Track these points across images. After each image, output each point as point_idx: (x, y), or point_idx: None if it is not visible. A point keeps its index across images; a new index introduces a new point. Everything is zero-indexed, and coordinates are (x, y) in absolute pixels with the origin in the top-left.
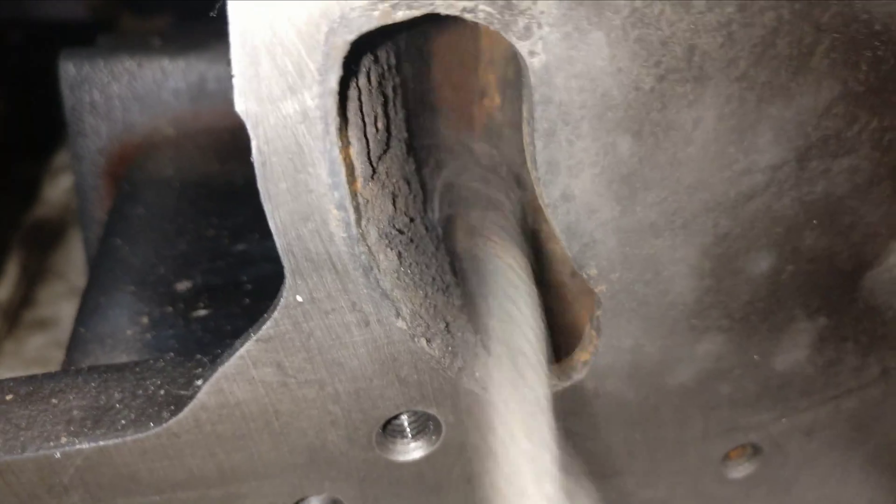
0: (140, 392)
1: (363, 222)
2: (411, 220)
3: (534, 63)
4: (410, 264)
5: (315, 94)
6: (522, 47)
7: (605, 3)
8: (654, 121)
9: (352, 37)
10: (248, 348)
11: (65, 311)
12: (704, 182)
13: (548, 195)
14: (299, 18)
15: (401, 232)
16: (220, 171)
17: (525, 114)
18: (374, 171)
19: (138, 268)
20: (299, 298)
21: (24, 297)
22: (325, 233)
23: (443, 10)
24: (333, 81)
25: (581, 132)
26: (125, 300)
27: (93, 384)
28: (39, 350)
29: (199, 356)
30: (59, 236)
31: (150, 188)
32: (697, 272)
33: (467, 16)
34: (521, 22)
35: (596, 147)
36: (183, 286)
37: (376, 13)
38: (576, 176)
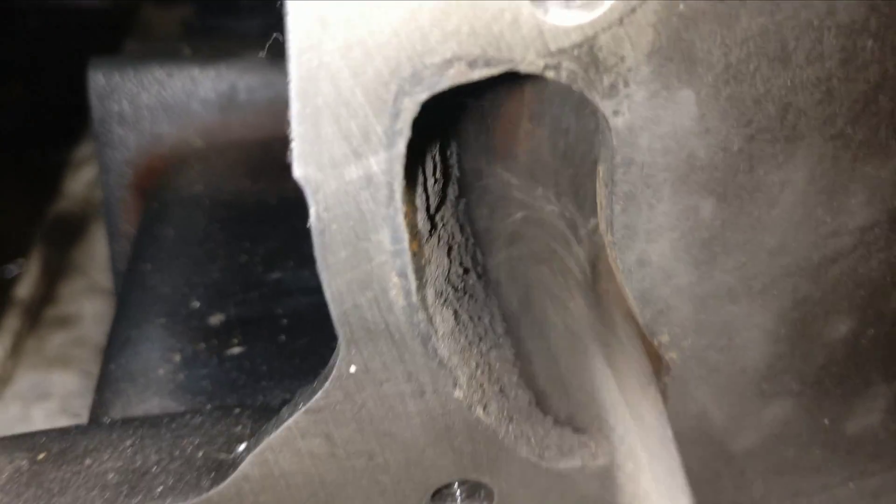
0: (177, 453)
1: (423, 287)
2: (465, 270)
3: (617, 123)
4: (465, 321)
5: (381, 160)
6: (606, 107)
7: (697, 59)
8: (739, 183)
9: (423, 97)
10: (296, 419)
11: (86, 308)
12: (787, 246)
13: (623, 261)
14: (366, 76)
15: (455, 288)
16: (251, 188)
17: (602, 175)
18: (432, 226)
19: (169, 297)
20: (353, 369)
21: (46, 294)
22: (384, 302)
23: (523, 69)
24: (402, 145)
25: (662, 195)
26: (156, 334)
27: (128, 442)
28: (61, 348)
29: (237, 409)
30: (81, 231)
31: (179, 206)
32: (772, 337)
33: (549, 73)
34: (607, 80)
35: (677, 211)
36: (216, 319)
37: (452, 71)
38: (654, 241)
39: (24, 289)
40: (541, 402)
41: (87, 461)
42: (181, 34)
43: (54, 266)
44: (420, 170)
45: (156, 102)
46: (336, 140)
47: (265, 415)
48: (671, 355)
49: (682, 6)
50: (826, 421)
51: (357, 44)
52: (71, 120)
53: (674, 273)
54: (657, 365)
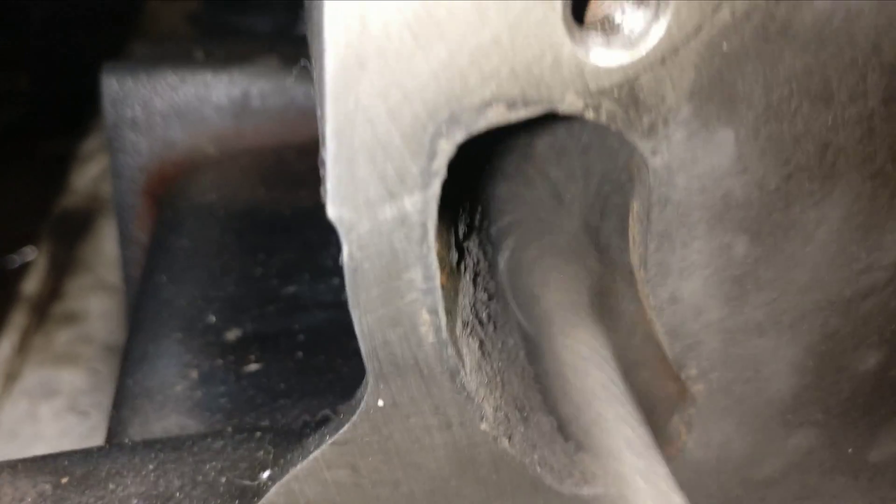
0: (200, 479)
1: (453, 321)
2: (489, 296)
3: (655, 163)
4: (489, 350)
5: (416, 200)
6: (645, 147)
7: (738, 99)
8: (774, 221)
9: (460, 138)
10: (322, 451)
11: (93, 304)
12: (819, 281)
13: (655, 297)
14: (404, 119)
15: (479, 317)
16: (264, 197)
17: (637, 212)
18: (460, 256)
19: (184, 311)
20: (381, 403)
21: (53, 290)
22: (413, 338)
23: (563, 110)
24: (437, 186)
25: (697, 234)
26: (172, 349)
27: (150, 466)
28: (68, 345)
29: (258, 433)
30: (88, 227)
31: (192, 216)
32: (799, 370)
33: (589, 114)
34: (647, 120)
35: (711, 249)
36: (232, 335)
37: (490, 113)
38: (687, 278)
39: (31, 284)
40: (562, 427)
41: (111, 486)
42: (187, 29)
43: (61, 261)
44: (453, 205)
45: (168, 108)
46: (371, 181)
47: (286, 438)
48: (698, 387)
49: (725, 46)
50: (850, 450)
51: (395, 86)
52: (77, 112)
53: (705, 309)
54: (681, 395)
